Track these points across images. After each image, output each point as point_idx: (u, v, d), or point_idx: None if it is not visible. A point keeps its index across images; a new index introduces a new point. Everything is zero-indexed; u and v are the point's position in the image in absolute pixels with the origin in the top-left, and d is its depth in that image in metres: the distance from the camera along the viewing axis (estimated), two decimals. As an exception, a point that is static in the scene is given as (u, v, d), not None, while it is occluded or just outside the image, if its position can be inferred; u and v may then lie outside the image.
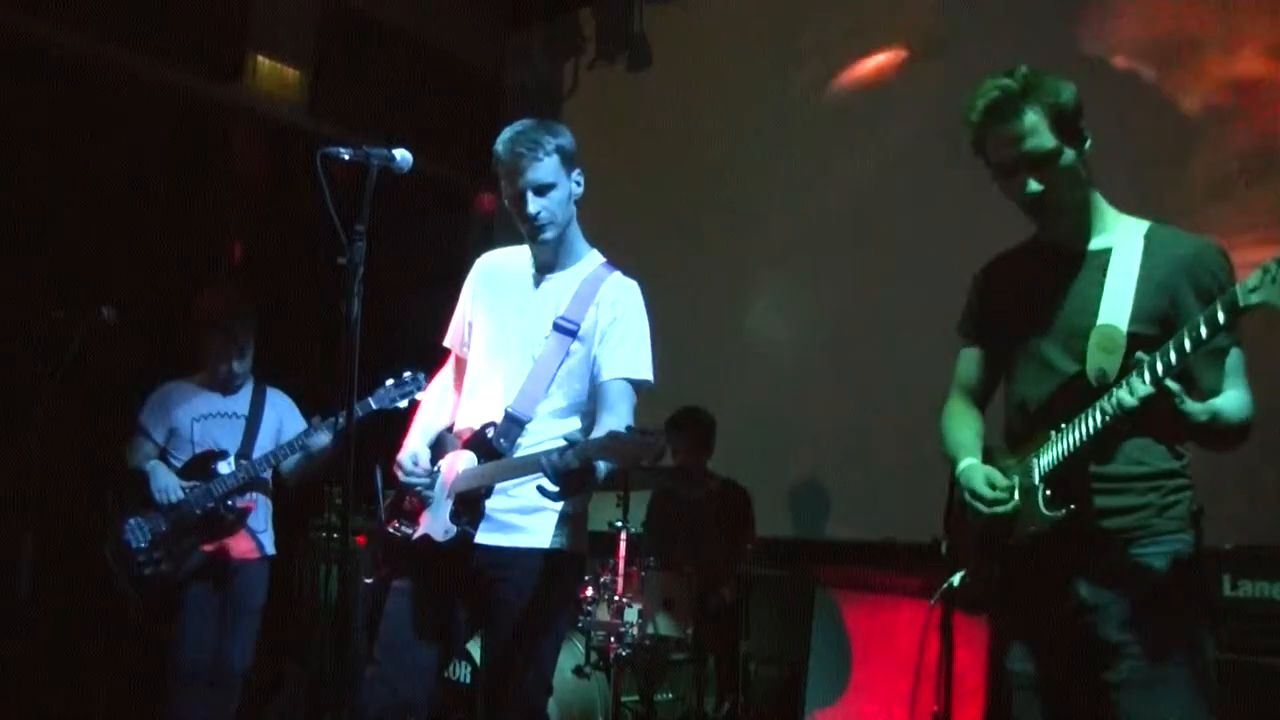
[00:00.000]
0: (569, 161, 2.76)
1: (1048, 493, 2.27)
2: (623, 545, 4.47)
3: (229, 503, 4.10)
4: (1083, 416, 2.20)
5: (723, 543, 5.03)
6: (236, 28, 5.74)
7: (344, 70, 6.19)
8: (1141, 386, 2.06)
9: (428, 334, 3.24)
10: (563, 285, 2.82)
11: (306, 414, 4.33)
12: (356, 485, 2.44)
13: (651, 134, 6.51)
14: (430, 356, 3.09)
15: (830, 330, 5.77)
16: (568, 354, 2.73)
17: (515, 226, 2.82)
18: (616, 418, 2.63)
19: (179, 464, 4.16)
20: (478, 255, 3.04)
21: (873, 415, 5.46)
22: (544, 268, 2.85)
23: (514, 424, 2.70)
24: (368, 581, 2.85)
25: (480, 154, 6.85)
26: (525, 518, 2.72)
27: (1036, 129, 2.25)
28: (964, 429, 2.57)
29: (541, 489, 2.47)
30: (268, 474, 4.21)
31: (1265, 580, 3.46)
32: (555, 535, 2.73)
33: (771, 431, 5.73)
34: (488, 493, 2.68)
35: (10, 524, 3.95)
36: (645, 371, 2.76)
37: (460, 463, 2.75)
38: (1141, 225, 2.36)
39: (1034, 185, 2.29)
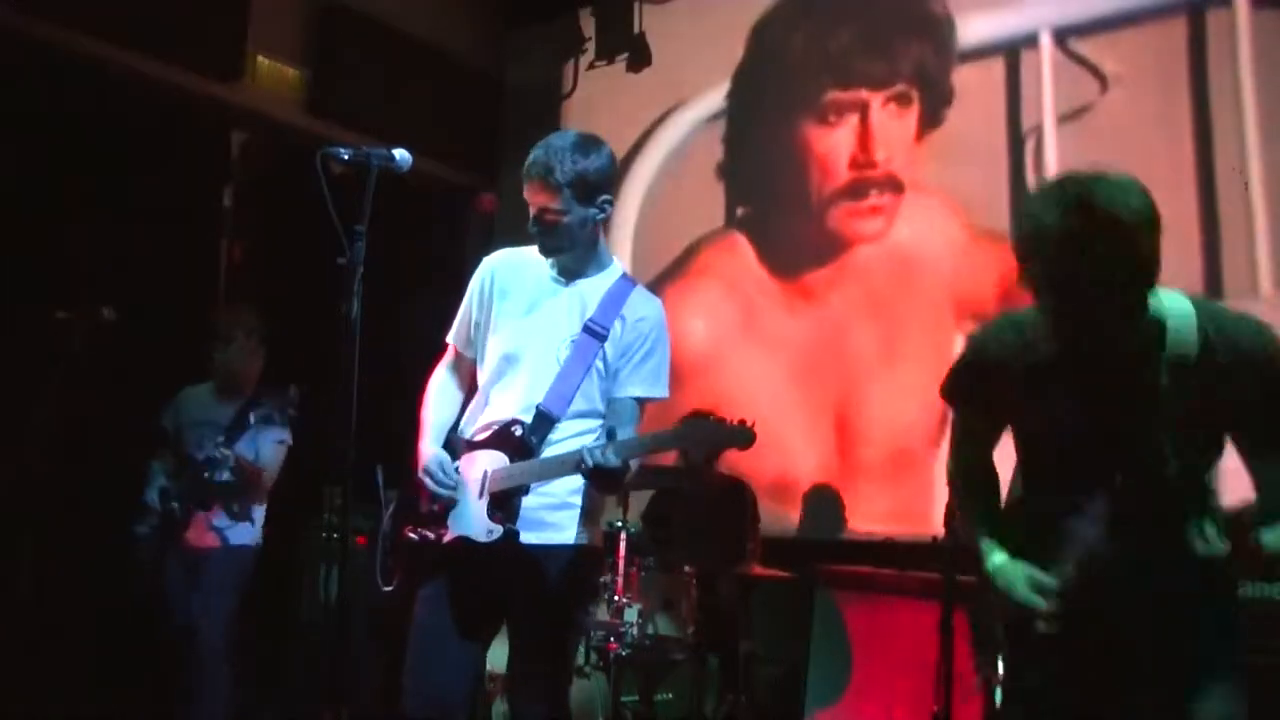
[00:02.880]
0: (590, 190, 2.71)
1: None
2: (623, 545, 4.46)
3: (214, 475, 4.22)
4: None
5: (724, 541, 5.01)
6: (236, 28, 5.73)
7: (344, 70, 6.18)
8: None
9: (427, 335, 3.23)
10: (588, 291, 2.82)
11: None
12: (356, 486, 2.45)
13: (651, 134, 6.50)
14: (429, 357, 3.08)
15: (832, 329, 5.77)
16: (594, 358, 2.74)
17: (515, 226, 2.83)
18: (626, 433, 2.70)
19: (174, 462, 4.35)
20: (478, 255, 3.03)
21: (874, 415, 5.46)
22: (567, 273, 2.84)
23: (545, 421, 2.71)
24: (387, 589, 2.84)
25: (480, 154, 6.95)
26: (556, 514, 2.75)
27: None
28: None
29: (585, 464, 2.52)
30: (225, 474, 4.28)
31: (1265, 580, 3.46)
32: (581, 531, 2.77)
33: (772, 429, 5.72)
34: (525, 490, 2.70)
35: (10, 524, 3.96)
36: (662, 389, 2.82)
37: (488, 462, 2.74)
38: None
39: None
